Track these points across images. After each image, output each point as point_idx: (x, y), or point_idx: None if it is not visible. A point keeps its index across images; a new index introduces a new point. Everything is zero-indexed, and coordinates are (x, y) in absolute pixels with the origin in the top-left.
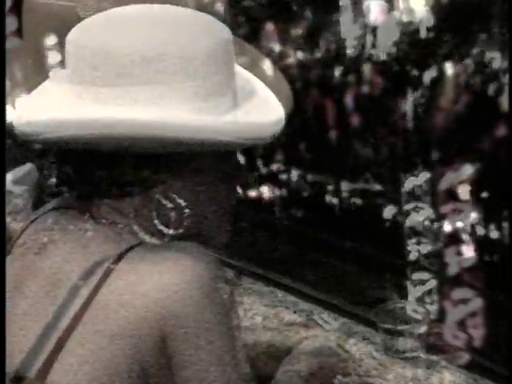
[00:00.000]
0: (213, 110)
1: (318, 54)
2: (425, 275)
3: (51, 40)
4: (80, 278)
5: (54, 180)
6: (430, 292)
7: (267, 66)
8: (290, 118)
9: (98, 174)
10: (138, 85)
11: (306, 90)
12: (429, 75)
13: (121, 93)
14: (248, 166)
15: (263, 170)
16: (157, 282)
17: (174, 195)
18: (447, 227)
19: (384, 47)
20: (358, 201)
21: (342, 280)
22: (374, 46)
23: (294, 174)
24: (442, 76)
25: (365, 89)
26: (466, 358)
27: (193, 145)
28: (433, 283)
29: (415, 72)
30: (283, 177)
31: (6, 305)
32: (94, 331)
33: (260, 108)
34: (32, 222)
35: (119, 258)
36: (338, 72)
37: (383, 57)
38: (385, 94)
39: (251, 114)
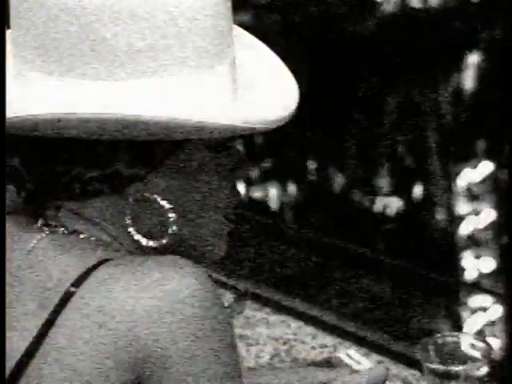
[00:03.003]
0: (208, 83)
1: (345, 7)
2: (486, 300)
3: None
4: (35, 306)
5: None
6: (492, 322)
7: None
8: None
9: (55, 168)
10: (109, 54)
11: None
12: (494, 34)
13: (88, 65)
14: (251, 159)
15: (269, 164)
16: (131, 309)
17: (156, 195)
18: None
19: None
20: (395, 201)
21: (376, 306)
22: None
23: (312, 166)
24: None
25: (404, 50)
26: None
27: (183, 130)
28: (497, 310)
29: (475, 29)
30: (297, 171)
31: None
32: (50, 371)
33: (269, 82)
34: None
35: (82, 278)
36: (368, 30)
37: (428, 9)
38: (431, 57)
39: (257, 88)
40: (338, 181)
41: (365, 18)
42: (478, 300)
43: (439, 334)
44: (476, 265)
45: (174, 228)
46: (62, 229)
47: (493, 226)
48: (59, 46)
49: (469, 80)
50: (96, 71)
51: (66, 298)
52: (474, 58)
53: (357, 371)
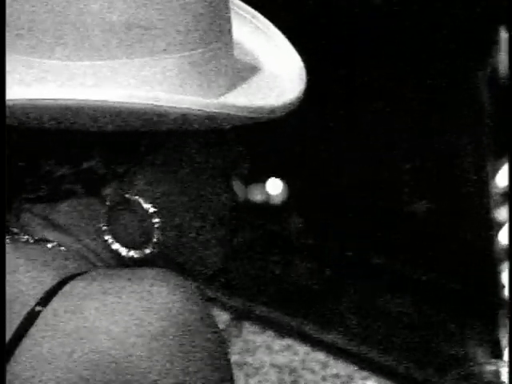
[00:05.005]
0: (193, 67)
1: None
2: None
3: None
4: None
5: None
6: None
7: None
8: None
9: (18, 165)
10: (81, 32)
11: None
12: None
13: (56, 44)
14: (250, 154)
15: (272, 160)
16: (107, 332)
17: (137, 197)
18: None
19: None
20: (422, 204)
21: (398, 328)
22: None
23: (322, 163)
24: None
25: (425, 28)
26: None
27: (170, 119)
28: None
29: None
30: (304, 168)
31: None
32: None
33: (272, 64)
34: None
35: (50, 295)
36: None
37: None
38: (460, 34)
39: (259, 72)
40: (354, 180)
41: None
42: None
43: (474, 362)
44: None
45: (159, 235)
46: (27, 237)
47: None
48: (26, 23)
49: (506, 60)
50: (67, 51)
51: (31, 318)
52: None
53: None
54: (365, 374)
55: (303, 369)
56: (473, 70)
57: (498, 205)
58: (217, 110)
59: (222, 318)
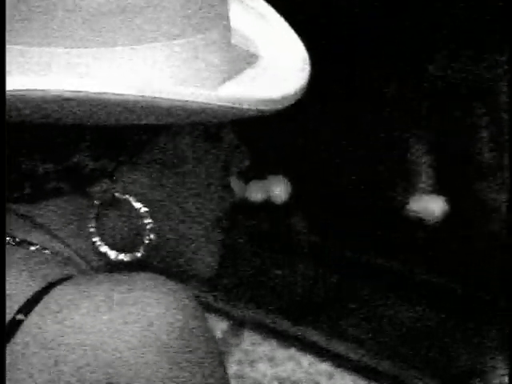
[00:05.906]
0: (185, 56)
1: None
2: None
3: None
4: None
5: None
6: None
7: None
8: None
9: None
10: (72, 17)
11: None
12: None
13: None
14: (249, 149)
15: (272, 155)
16: (94, 342)
17: (128, 195)
18: None
19: None
20: (437, 202)
21: (411, 337)
22: None
23: (327, 158)
24: None
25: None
26: None
27: (166, 113)
28: None
29: None
30: (308, 163)
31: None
32: None
33: (274, 54)
34: None
35: (32, 302)
36: None
37: None
38: (477, 22)
39: (259, 63)
40: (363, 176)
41: None
42: None
43: (491, 374)
44: None
45: (152, 237)
46: (8, 238)
47: None
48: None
49: None
50: (61, 37)
51: (12, 327)
52: None
53: None
54: None
55: (307, 381)
56: (490, 58)
57: None
58: (211, 102)
59: (220, 326)
